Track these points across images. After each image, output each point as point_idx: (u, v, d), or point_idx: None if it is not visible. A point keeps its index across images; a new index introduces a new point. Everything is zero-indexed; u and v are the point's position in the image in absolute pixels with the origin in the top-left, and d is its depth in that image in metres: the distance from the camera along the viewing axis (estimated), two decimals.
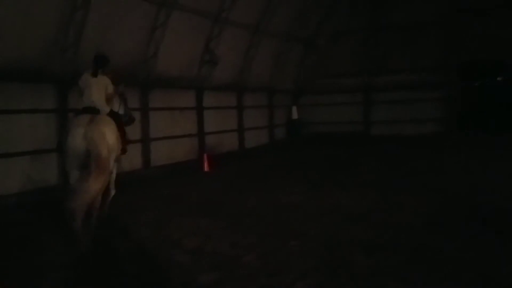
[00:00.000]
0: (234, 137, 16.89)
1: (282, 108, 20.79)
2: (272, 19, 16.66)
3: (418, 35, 19.55)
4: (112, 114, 6.48)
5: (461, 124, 19.61)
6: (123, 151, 6.53)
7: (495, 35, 18.12)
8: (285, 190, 8.96)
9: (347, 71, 20.93)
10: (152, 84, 12.50)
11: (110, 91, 6.54)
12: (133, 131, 9.68)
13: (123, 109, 7.11)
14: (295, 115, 21.38)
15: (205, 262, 5.08)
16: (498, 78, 29.74)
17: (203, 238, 5.96)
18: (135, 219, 7.08)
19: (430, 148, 15.49)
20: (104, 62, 6.52)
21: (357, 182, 9.59)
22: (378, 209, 7.06)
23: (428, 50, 19.45)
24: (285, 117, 21.11)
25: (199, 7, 13.15)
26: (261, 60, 17.41)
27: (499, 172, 9.90)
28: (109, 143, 5.82)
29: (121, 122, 6.71)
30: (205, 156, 12.39)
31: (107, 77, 6.48)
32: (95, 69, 6.40)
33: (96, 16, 10.06)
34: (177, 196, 8.83)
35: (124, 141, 6.53)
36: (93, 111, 6.15)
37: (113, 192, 6.48)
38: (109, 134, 5.88)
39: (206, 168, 12.01)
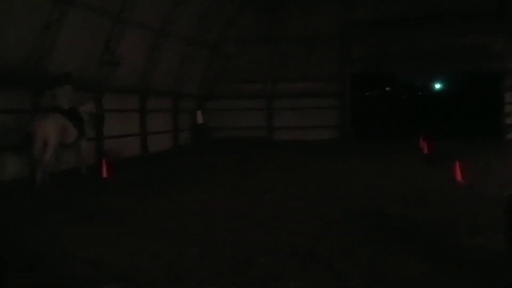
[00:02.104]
0: (136, 141, 16.32)
1: (188, 113, 20.58)
2: (177, 22, 16.44)
3: (316, 46, 20.69)
4: (70, 111, 10.69)
5: (355, 130, 21.06)
6: (81, 137, 11.04)
7: (386, 48, 19.85)
8: (188, 196, 8.85)
9: (252, 78, 21.41)
10: (45, 85, 11.61)
11: (71, 94, 10.76)
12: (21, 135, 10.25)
13: (97, 110, 11.94)
14: (200, 120, 21.28)
15: (105, 272, 4.82)
16: (387, 89, 32.54)
17: (102, 248, 5.64)
18: (25, 230, 6.49)
19: (326, 153, 16.39)
20: (68, 76, 10.84)
21: (258, 187, 9.79)
22: (278, 213, 7.26)
23: (326, 60, 20.64)
24: (190, 121, 20.92)
25: (98, 5, 12.54)
26: (166, 63, 17.08)
27: (386, 177, 10.79)
28: (48, 130, 9.75)
29: (78, 116, 10.98)
30: (103, 161, 11.74)
31: (69, 86, 10.77)
32: (61, 81, 10.75)
33: None
34: (73, 204, 8.27)
35: (82, 129, 11.00)
36: (53, 109, 10.44)
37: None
38: (51, 125, 9.84)
39: (105, 174, 11.38)
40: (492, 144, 16.95)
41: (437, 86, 32.00)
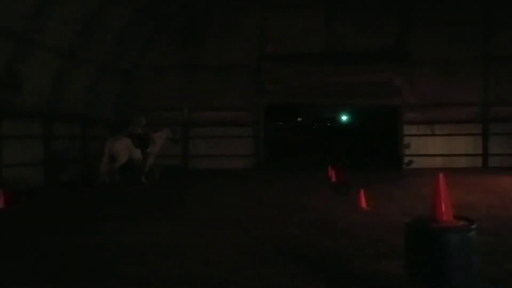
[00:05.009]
0: (41, 170, 15.22)
1: (100, 140, 19.66)
2: (89, 46, 15.93)
3: (232, 76, 21.15)
4: (139, 135, 15.25)
5: (269, 159, 21.61)
6: (144, 155, 15.41)
7: (293, 82, 20.88)
8: (98, 228, 8.38)
9: (167, 105, 21.20)
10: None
11: (144, 123, 15.63)
12: None
13: (172, 135, 16.52)
14: None
15: None
16: (299, 119, 34.01)
17: (4, 285, 5.13)
18: None
19: (240, 182, 16.56)
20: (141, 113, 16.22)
21: (172, 216, 9.59)
22: (193, 243, 7.17)
23: (242, 91, 21.14)
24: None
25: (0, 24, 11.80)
26: (75, 87, 16.35)
27: (296, 205, 11.15)
28: (115, 148, 14.46)
29: (143, 138, 15.27)
30: (1, 191, 10.75)
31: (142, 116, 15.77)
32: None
33: None
34: None
35: (143, 149, 15.26)
36: (126, 133, 15.23)
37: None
38: (117, 145, 14.56)
39: (1, 205, 10.42)
40: (393, 173, 18.30)
41: (344, 118, 34.18)
